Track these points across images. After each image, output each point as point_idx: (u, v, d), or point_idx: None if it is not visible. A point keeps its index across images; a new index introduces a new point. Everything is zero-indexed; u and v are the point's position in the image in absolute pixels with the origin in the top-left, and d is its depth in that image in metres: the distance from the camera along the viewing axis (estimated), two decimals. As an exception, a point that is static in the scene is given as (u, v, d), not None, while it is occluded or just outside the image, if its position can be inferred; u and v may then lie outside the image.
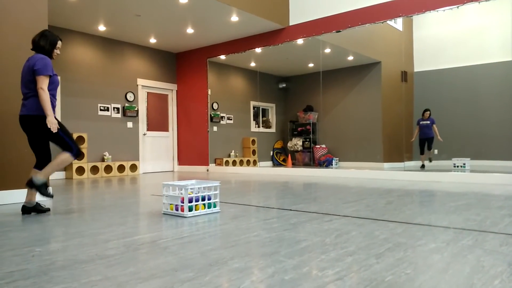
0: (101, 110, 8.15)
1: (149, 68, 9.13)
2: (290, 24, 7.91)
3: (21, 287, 1.56)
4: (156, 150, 9.31)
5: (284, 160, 9.63)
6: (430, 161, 6.80)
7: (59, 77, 3.33)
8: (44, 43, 3.33)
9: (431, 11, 6.25)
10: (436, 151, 6.85)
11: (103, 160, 8.11)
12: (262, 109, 9.82)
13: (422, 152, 6.98)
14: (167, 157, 9.57)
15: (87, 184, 6.15)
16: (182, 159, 9.65)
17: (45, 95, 3.16)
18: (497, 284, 1.53)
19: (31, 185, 3.22)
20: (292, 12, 7.89)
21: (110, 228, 2.72)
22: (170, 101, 9.69)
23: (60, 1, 6.22)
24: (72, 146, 3.35)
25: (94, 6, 6.45)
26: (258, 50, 8.47)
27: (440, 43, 6.81)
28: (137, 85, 8.87)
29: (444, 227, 2.59)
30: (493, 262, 1.81)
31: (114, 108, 8.39)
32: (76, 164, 7.45)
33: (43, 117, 3.23)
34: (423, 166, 6.97)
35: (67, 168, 7.55)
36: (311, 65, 8.71)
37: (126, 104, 8.62)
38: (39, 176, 3.24)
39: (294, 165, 9.13)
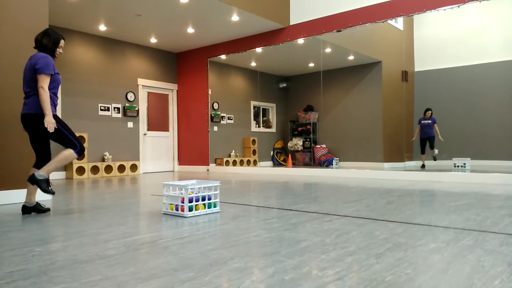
0: (101, 110, 8.15)
1: (149, 68, 9.13)
2: (291, 23, 7.91)
3: (21, 287, 1.56)
4: (157, 150, 9.31)
5: (284, 160, 9.63)
6: (435, 159, 6.79)
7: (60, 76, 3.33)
8: (47, 41, 3.32)
9: (432, 10, 6.25)
10: (436, 151, 6.85)
11: (103, 160, 8.12)
12: (262, 109, 9.82)
13: (423, 152, 6.97)
14: (167, 157, 9.57)
15: (87, 184, 6.16)
16: (183, 159, 9.65)
17: (45, 95, 3.15)
18: (497, 284, 1.52)
19: (32, 181, 3.21)
20: (293, 12, 7.89)
21: (110, 228, 2.72)
22: (171, 101, 9.69)
23: (61, 1, 6.22)
24: (76, 143, 3.35)
25: (95, 6, 6.46)
26: (258, 49, 8.47)
27: (441, 42, 6.81)
28: (138, 85, 8.87)
29: (444, 227, 2.59)
30: (493, 262, 1.81)
31: (114, 108, 8.39)
32: (76, 164, 7.46)
33: (44, 116, 3.22)
34: (423, 166, 6.97)
35: (67, 168, 7.55)
36: (311, 64, 8.70)
37: (127, 104, 8.62)
38: (40, 172, 3.23)
39: (294, 165, 9.12)
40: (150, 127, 9.20)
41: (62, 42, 3.42)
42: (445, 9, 6.15)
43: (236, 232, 2.51)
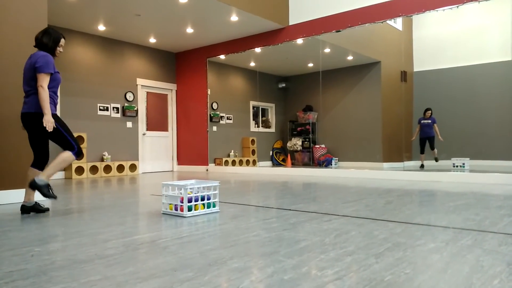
0: (100, 110, 8.14)
1: (148, 68, 9.12)
2: (290, 23, 7.91)
3: (20, 287, 1.56)
4: (156, 150, 9.31)
5: (283, 160, 9.63)
6: (437, 160, 6.78)
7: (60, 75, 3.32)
8: (47, 40, 3.31)
9: (431, 10, 6.25)
10: (435, 151, 6.85)
11: (102, 160, 8.11)
12: (261, 109, 9.82)
13: (422, 152, 6.98)
14: (166, 157, 9.56)
15: (86, 184, 6.15)
16: (182, 159, 9.65)
17: (44, 94, 3.14)
18: (496, 284, 1.53)
19: (33, 186, 3.18)
20: (292, 12, 7.89)
21: (109, 228, 2.72)
22: (170, 101, 9.69)
23: (60, 1, 6.21)
24: (74, 144, 3.33)
25: (94, 5, 6.45)
26: (257, 50, 8.47)
27: (440, 43, 6.81)
28: (137, 85, 8.87)
29: (443, 227, 2.59)
30: (492, 262, 1.81)
31: (113, 108, 8.38)
32: (75, 164, 7.45)
33: (43, 115, 3.21)
34: (422, 166, 6.97)
35: (66, 168, 7.54)
36: (310, 65, 8.70)
37: (126, 104, 8.61)
38: (41, 177, 3.20)
39: (293, 165, 9.13)
40: (149, 127, 9.20)
41: (62, 41, 3.41)
42: (444, 10, 6.15)
43: (235, 232, 2.51)
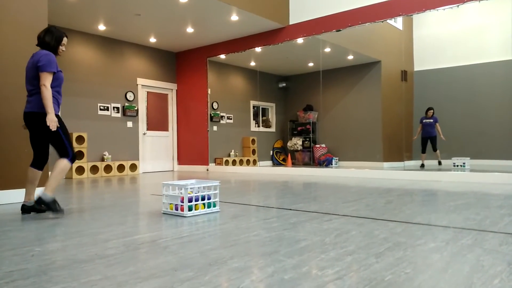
0: (101, 109, 8.14)
1: (149, 67, 9.12)
2: (290, 23, 7.91)
3: (21, 287, 1.56)
4: (156, 150, 9.31)
5: (284, 160, 9.63)
6: (440, 163, 6.77)
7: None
8: (50, 39, 3.29)
9: (431, 10, 6.25)
10: (438, 153, 6.84)
11: (102, 159, 8.11)
12: (262, 108, 9.81)
13: (423, 151, 6.97)
14: (167, 156, 9.57)
15: (86, 184, 6.15)
16: (182, 158, 9.65)
17: (47, 92, 3.11)
18: (496, 283, 1.53)
19: (40, 203, 3.11)
20: (292, 11, 7.89)
21: (110, 227, 2.72)
22: (170, 100, 9.69)
23: (60, 1, 6.21)
24: (69, 151, 3.28)
25: (94, 5, 6.45)
26: (258, 49, 8.47)
27: (440, 42, 6.81)
28: (137, 84, 8.87)
29: (444, 227, 2.59)
30: (492, 261, 1.81)
31: (114, 107, 8.39)
32: (75, 164, 7.45)
33: (46, 114, 3.18)
34: (422, 165, 6.97)
35: (67, 167, 7.54)
36: (311, 64, 8.70)
37: (126, 104, 8.61)
38: (46, 193, 3.13)
39: (294, 164, 9.12)
40: (150, 127, 9.20)
41: (65, 39, 3.39)
42: (444, 9, 6.15)
43: (235, 232, 2.51)
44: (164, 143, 9.50)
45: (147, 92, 9.16)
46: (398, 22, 7.06)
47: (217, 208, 3.33)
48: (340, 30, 7.24)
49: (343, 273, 1.66)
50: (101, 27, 7.61)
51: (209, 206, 3.29)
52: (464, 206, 3.45)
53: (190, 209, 3.12)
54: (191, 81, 9.48)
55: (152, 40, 8.58)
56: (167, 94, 9.64)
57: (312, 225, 2.70)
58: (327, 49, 8.06)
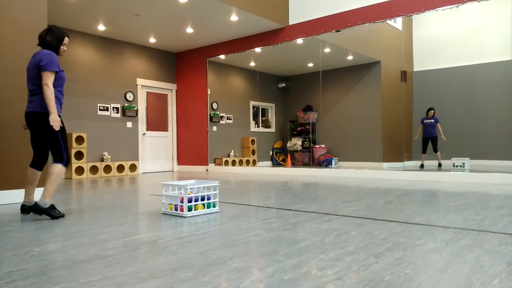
0: (100, 110, 8.14)
1: (148, 68, 9.12)
2: (290, 23, 7.91)
3: (20, 287, 1.56)
4: (156, 150, 9.31)
5: (283, 160, 9.63)
6: (440, 165, 6.77)
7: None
8: (51, 38, 3.27)
9: (431, 10, 6.25)
10: (439, 154, 6.84)
11: (102, 160, 8.11)
12: (261, 108, 9.82)
13: (424, 151, 6.97)
14: (166, 157, 9.56)
15: (86, 184, 6.15)
16: (182, 159, 9.65)
17: (49, 92, 3.09)
18: (496, 283, 1.53)
19: (39, 211, 3.09)
20: (292, 12, 7.89)
21: (110, 228, 2.72)
22: (170, 101, 9.69)
23: (60, 1, 6.21)
24: (64, 156, 3.23)
25: (94, 5, 6.45)
26: (257, 49, 8.47)
27: (440, 42, 6.81)
28: (137, 84, 8.87)
29: (443, 227, 2.59)
30: (492, 261, 1.81)
31: (113, 108, 8.38)
32: (75, 164, 7.45)
33: (48, 114, 3.15)
34: (422, 165, 6.97)
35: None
36: (310, 64, 8.70)
37: (126, 104, 8.61)
38: (45, 201, 3.11)
39: (293, 165, 9.13)
40: (149, 127, 9.20)
41: (66, 39, 3.37)
42: (444, 9, 6.15)
43: (235, 232, 2.51)
44: (163, 144, 9.49)
45: (147, 92, 9.16)
46: (397, 23, 7.07)
47: (216, 209, 3.33)
48: (339, 31, 7.24)
49: (342, 274, 1.66)
50: (101, 27, 7.61)
51: (208, 207, 3.29)
52: (464, 206, 3.45)
53: (189, 209, 3.12)
54: (191, 82, 9.48)
55: (152, 40, 8.58)
56: (166, 95, 9.64)
57: (311, 225, 2.70)
58: (327, 50, 8.07)
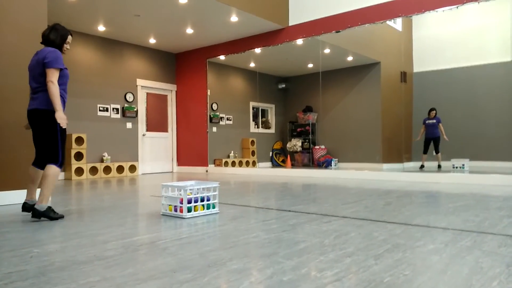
0: (100, 110, 8.14)
1: (148, 68, 9.13)
2: (290, 24, 7.91)
3: (19, 289, 1.56)
4: (155, 151, 9.31)
5: (283, 161, 9.63)
6: (440, 167, 6.76)
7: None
8: (55, 37, 3.25)
9: (431, 11, 6.26)
10: (439, 156, 6.84)
11: (102, 161, 8.11)
12: (261, 109, 9.82)
13: (425, 152, 6.96)
14: (166, 158, 9.56)
15: (86, 185, 6.15)
16: (182, 160, 9.65)
17: (54, 89, 3.06)
18: (495, 285, 1.53)
19: (37, 215, 3.05)
20: (292, 12, 7.89)
21: (109, 229, 2.71)
22: (170, 101, 9.69)
23: (60, 1, 6.22)
24: (59, 157, 3.19)
25: (94, 6, 6.45)
26: (257, 50, 8.47)
27: (440, 43, 6.82)
28: (137, 85, 8.87)
29: (443, 228, 2.59)
30: (491, 263, 1.81)
31: (113, 108, 8.38)
32: (75, 165, 7.45)
33: (53, 112, 3.11)
34: (422, 166, 6.97)
35: (65, 169, 7.54)
36: (310, 65, 8.71)
37: (126, 105, 8.61)
38: (42, 204, 3.07)
39: (293, 166, 9.13)
40: (149, 128, 9.20)
41: (69, 37, 3.35)
42: (443, 10, 6.15)
43: (235, 233, 2.51)
44: (163, 144, 9.49)
45: (147, 93, 9.16)
46: (397, 23, 7.07)
47: (216, 210, 3.33)
48: (339, 31, 7.25)
49: (342, 275, 1.66)
50: (101, 28, 7.61)
51: (208, 208, 3.29)
52: (463, 207, 3.45)
53: (189, 210, 3.12)
54: (191, 82, 9.48)
55: (152, 41, 8.58)
56: (166, 95, 9.64)
57: (311, 226, 2.70)
58: (327, 50, 8.07)
